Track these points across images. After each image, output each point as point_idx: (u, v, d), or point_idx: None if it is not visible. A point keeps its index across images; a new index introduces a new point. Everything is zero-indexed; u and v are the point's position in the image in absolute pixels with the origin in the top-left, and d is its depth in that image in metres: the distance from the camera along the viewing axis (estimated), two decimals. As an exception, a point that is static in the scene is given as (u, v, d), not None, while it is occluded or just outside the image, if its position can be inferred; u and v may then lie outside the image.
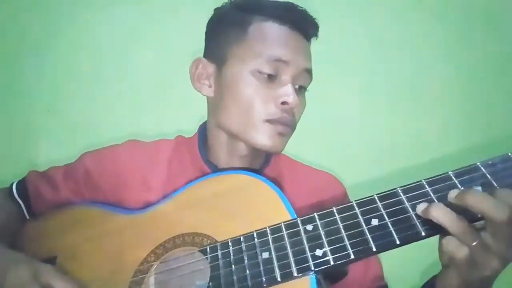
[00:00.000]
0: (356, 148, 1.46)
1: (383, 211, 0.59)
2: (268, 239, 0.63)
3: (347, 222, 0.60)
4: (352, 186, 0.96)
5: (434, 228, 0.55)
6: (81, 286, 0.69)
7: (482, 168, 0.57)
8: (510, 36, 1.47)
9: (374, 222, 0.58)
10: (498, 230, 0.52)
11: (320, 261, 0.58)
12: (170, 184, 0.82)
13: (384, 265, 0.88)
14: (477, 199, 0.52)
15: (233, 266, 0.63)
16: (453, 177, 0.58)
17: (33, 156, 1.40)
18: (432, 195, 0.57)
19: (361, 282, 0.83)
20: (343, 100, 1.48)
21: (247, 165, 0.86)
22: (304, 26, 0.83)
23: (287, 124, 0.79)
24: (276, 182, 0.71)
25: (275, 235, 0.63)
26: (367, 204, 0.61)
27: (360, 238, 0.58)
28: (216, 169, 0.85)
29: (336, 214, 0.62)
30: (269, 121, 0.78)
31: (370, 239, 0.57)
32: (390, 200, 0.59)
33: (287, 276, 0.59)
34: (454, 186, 0.57)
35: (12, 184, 0.92)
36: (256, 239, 0.64)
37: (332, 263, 0.58)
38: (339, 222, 0.61)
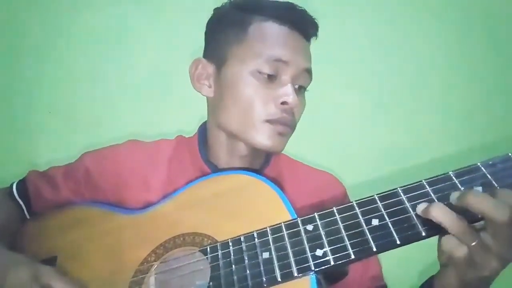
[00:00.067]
0: (356, 148, 1.46)
1: (383, 211, 0.59)
2: (268, 239, 0.63)
3: (348, 222, 0.60)
4: (352, 186, 0.96)
5: (435, 228, 0.55)
6: (81, 286, 0.69)
7: (482, 168, 0.57)
8: (510, 36, 1.47)
9: (375, 222, 0.58)
10: (498, 230, 0.52)
11: (321, 261, 0.58)
12: (170, 184, 0.82)
13: (383, 265, 0.88)
14: (477, 200, 0.52)
15: (233, 266, 0.63)
16: (453, 177, 0.58)
17: (33, 156, 1.40)
18: (432, 195, 0.57)
19: (361, 282, 0.83)
20: (343, 100, 1.48)
21: (247, 165, 0.86)
22: (303, 26, 0.83)
23: (287, 124, 0.80)
24: (276, 182, 0.71)
25: (275, 235, 0.63)
26: (367, 204, 0.61)
27: (360, 238, 0.58)
28: (216, 169, 0.85)
29: (336, 214, 0.62)
30: (269, 121, 0.78)
31: (371, 239, 0.57)
32: (391, 200, 0.59)
33: (287, 276, 0.59)
34: (454, 186, 0.57)
35: (12, 184, 0.92)
36: (256, 239, 0.64)
37: (332, 263, 0.58)
38: (339, 222, 0.61)
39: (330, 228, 0.61)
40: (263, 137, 0.78)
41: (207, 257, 0.66)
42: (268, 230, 0.64)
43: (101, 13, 1.46)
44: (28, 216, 0.90)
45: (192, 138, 0.92)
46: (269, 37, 0.80)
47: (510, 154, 0.57)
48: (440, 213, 0.54)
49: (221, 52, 0.83)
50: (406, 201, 0.58)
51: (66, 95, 1.45)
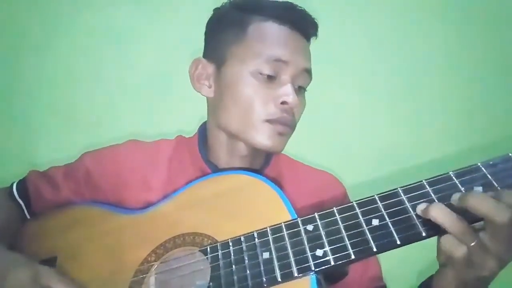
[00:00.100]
0: (356, 148, 1.46)
1: (383, 212, 0.59)
2: (268, 239, 0.63)
3: (348, 222, 0.60)
4: (352, 186, 0.96)
5: (435, 228, 0.55)
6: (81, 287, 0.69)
7: (482, 168, 0.57)
8: (510, 36, 1.47)
9: (375, 222, 0.58)
10: (497, 231, 0.52)
11: (321, 261, 0.58)
12: (170, 184, 0.82)
13: (382, 266, 0.88)
14: (477, 201, 0.52)
15: (233, 266, 0.63)
16: (453, 178, 0.58)
17: (33, 156, 1.40)
18: (432, 195, 0.57)
19: (360, 283, 0.83)
20: (343, 100, 1.48)
21: (247, 165, 0.86)
22: (303, 25, 0.83)
23: (286, 124, 0.80)
24: (276, 182, 0.71)
25: (275, 235, 0.63)
26: (367, 204, 0.61)
27: (360, 238, 0.58)
28: (216, 169, 0.85)
29: (336, 214, 0.62)
30: (268, 121, 0.78)
31: (371, 239, 0.57)
32: (391, 200, 0.59)
33: (287, 276, 0.59)
34: (454, 186, 0.57)
35: (12, 184, 0.92)
36: (256, 239, 0.64)
37: (332, 263, 0.58)
38: (339, 222, 0.61)
39: (330, 228, 0.61)
40: (263, 137, 0.78)
41: (207, 257, 0.66)
42: (268, 230, 0.64)
43: (101, 13, 1.46)
44: (28, 216, 0.90)
45: (192, 138, 0.92)
46: (269, 37, 0.80)
47: (510, 154, 0.57)
48: (439, 213, 0.54)
49: (220, 52, 0.83)
50: (406, 201, 0.58)
51: (66, 95, 1.45)
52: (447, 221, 0.53)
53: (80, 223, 0.83)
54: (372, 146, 1.47)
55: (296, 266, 0.59)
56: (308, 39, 0.86)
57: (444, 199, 0.56)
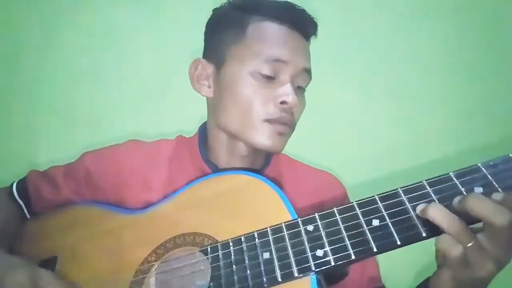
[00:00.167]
0: (356, 148, 1.46)
1: (384, 212, 0.59)
2: (269, 240, 0.63)
3: (348, 223, 0.60)
4: (352, 187, 0.96)
5: (435, 229, 0.55)
6: None
7: (483, 169, 0.57)
8: (510, 36, 1.47)
9: (375, 222, 0.58)
10: (496, 234, 0.52)
11: (321, 262, 0.58)
12: (170, 184, 0.82)
13: (380, 267, 0.88)
14: (477, 203, 0.52)
15: (234, 266, 0.63)
16: (454, 178, 0.58)
17: (33, 156, 1.40)
18: (433, 195, 0.57)
19: (359, 283, 0.84)
20: (343, 100, 1.48)
21: (247, 165, 0.86)
22: (303, 25, 0.83)
23: (286, 123, 0.80)
24: (276, 182, 0.71)
25: (276, 236, 0.63)
26: (368, 205, 0.61)
27: (361, 239, 0.58)
28: (216, 169, 0.85)
29: (337, 214, 0.62)
30: (268, 120, 0.78)
31: (371, 240, 0.57)
32: (391, 201, 0.59)
33: (288, 276, 0.59)
34: (455, 187, 0.57)
35: (12, 184, 0.92)
36: (257, 240, 0.64)
37: (332, 263, 0.58)
38: (340, 222, 0.61)
39: (330, 228, 0.61)
40: (262, 137, 0.79)
41: (207, 257, 0.66)
42: (269, 230, 0.64)
43: (101, 13, 1.46)
44: (28, 216, 0.90)
45: (192, 138, 0.92)
46: (268, 37, 0.80)
47: (511, 155, 0.57)
48: (437, 214, 0.54)
49: (220, 53, 0.83)
50: (406, 202, 0.58)
51: (66, 95, 1.45)
52: (445, 222, 0.53)
53: (80, 223, 0.83)
54: (372, 146, 1.46)
55: (297, 266, 0.59)
56: (307, 38, 0.86)
57: (445, 200, 0.56)
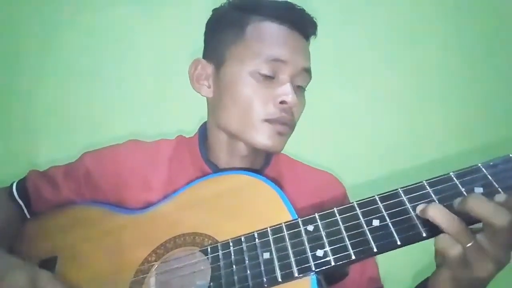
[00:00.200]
0: (356, 148, 1.46)
1: (384, 212, 0.59)
2: (269, 240, 0.63)
3: (348, 223, 0.60)
4: (353, 187, 0.96)
5: (435, 229, 0.55)
6: None
7: (483, 169, 0.57)
8: (511, 35, 1.47)
9: (375, 222, 0.58)
10: (496, 234, 0.51)
11: (321, 262, 0.58)
12: (170, 184, 0.82)
13: (378, 268, 0.88)
14: (477, 204, 0.52)
15: (234, 266, 0.63)
16: (454, 178, 0.58)
17: (33, 156, 1.40)
18: (433, 196, 0.57)
19: (359, 284, 0.84)
20: (343, 100, 1.48)
21: (247, 165, 0.86)
22: (302, 25, 0.83)
23: (286, 123, 0.80)
24: (276, 182, 0.71)
25: (276, 236, 0.63)
26: (368, 205, 0.61)
27: (361, 239, 0.58)
28: (216, 169, 0.85)
29: (337, 214, 0.62)
30: (268, 120, 0.78)
31: (371, 240, 0.57)
32: (391, 201, 0.59)
33: (288, 276, 0.59)
34: (455, 187, 0.57)
35: (12, 184, 0.92)
36: (257, 240, 0.64)
37: (333, 263, 0.58)
38: (340, 222, 0.61)
39: (330, 228, 0.61)
40: (262, 137, 0.79)
41: (207, 257, 0.66)
42: (269, 230, 0.64)
43: (101, 13, 1.46)
44: (28, 216, 0.90)
45: (192, 138, 0.92)
46: (267, 37, 0.80)
47: (511, 155, 0.57)
48: (437, 213, 0.54)
49: (220, 53, 0.83)
50: (407, 202, 0.58)
51: (66, 95, 1.45)
52: (445, 221, 0.53)
53: (80, 223, 0.83)
54: (372, 146, 1.47)
55: (297, 267, 0.59)
56: (307, 38, 0.86)
57: (445, 200, 0.56)
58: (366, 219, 0.59)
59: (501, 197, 0.52)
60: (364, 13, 1.50)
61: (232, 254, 0.64)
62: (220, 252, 0.65)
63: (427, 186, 0.59)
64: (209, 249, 0.67)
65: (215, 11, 0.89)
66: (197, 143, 0.89)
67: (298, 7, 0.84)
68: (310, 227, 0.62)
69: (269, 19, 0.81)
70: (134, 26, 1.47)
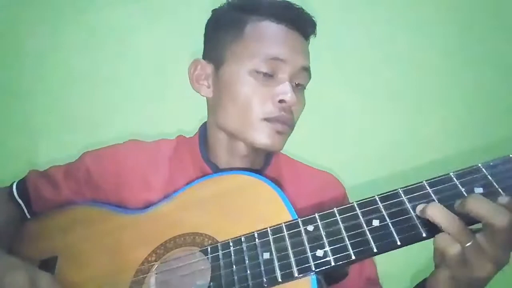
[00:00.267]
0: (356, 148, 1.47)
1: (384, 212, 0.59)
2: (269, 240, 0.63)
3: (348, 223, 0.60)
4: (353, 187, 0.96)
5: (435, 229, 0.55)
6: None
7: (483, 169, 0.57)
8: (511, 35, 1.47)
9: (375, 223, 0.58)
10: (496, 234, 0.51)
11: (321, 262, 0.58)
12: (171, 184, 0.82)
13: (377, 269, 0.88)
14: (477, 204, 0.52)
15: (234, 266, 0.63)
16: (454, 178, 0.58)
17: (33, 156, 1.40)
18: (433, 196, 0.57)
19: (358, 284, 0.84)
20: (343, 100, 1.48)
21: (248, 165, 0.86)
22: (301, 24, 0.83)
23: (285, 122, 0.79)
24: (277, 182, 0.71)
25: (276, 236, 0.63)
26: (368, 205, 0.61)
27: (361, 239, 0.58)
28: (217, 169, 0.85)
29: (337, 214, 0.62)
30: (267, 119, 0.78)
31: (371, 240, 0.57)
32: (391, 201, 0.59)
33: (288, 276, 0.59)
34: (455, 187, 0.57)
35: (12, 184, 0.92)
36: (257, 240, 0.64)
37: (333, 263, 0.58)
38: (340, 222, 0.61)
39: (330, 228, 0.61)
40: (261, 136, 0.79)
41: (207, 257, 0.66)
42: (269, 230, 0.64)
43: (101, 14, 1.46)
44: (28, 216, 0.90)
45: (192, 138, 0.92)
46: (266, 36, 0.80)
47: (511, 155, 0.57)
48: (436, 213, 0.54)
49: (219, 53, 0.83)
50: (406, 202, 0.58)
51: (66, 95, 1.45)
52: (444, 221, 0.53)
53: (80, 223, 0.83)
54: (372, 146, 1.47)
55: (297, 267, 0.59)
56: (306, 37, 0.86)
57: (445, 200, 0.56)
58: (366, 219, 0.59)
59: (503, 199, 0.52)
60: (364, 13, 1.50)
61: (232, 254, 0.64)
62: (220, 252, 0.66)
63: (427, 186, 0.59)
64: (209, 249, 0.67)
65: (214, 11, 0.89)
66: (197, 143, 0.89)
67: (297, 6, 0.84)
68: (310, 227, 0.62)
69: (267, 19, 0.81)
70: (134, 26, 1.47)
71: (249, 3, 0.84)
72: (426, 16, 1.50)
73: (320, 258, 0.59)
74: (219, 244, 0.67)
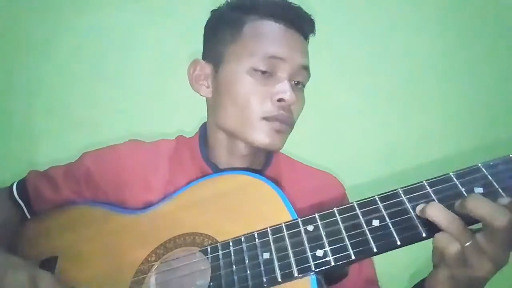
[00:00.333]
0: (356, 148, 1.46)
1: (384, 212, 0.59)
2: (269, 240, 0.63)
3: (348, 223, 0.60)
4: (353, 187, 0.96)
5: (435, 229, 0.55)
6: None
7: (483, 169, 0.57)
8: (511, 36, 1.47)
9: (375, 222, 0.58)
10: (495, 234, 0.51)
11: (321, 262, 0.58)
12: (171, 184, 0.82)
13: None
14: (477, 204, 0.52)
15: (234, 266, 0.63)
16: (454, 178, 0.58)
17: (33, 156, 1.40)
18: (433, 196, 0.57)
19: (357, 284, 0.84)
20: (343, 100, 1.48)
21: (248, 164, 0.86)
22: (299, 23, 0.83)
23: (284, 121, 0.79)
24: (276, 182, 0.71)
25: (276, 236, 0.63)
26: (368, 205, 0.61)
27: (361, 239, 0.58)
28: (217, 169, 0.85)
29: (337, 214, 0.62)
30: (266, 118, 0.78)
31: (371, 240, 0.57)
32: (391, 201, 0.59)
33: (287, 276, 0.59)
34: (455, 187, 0.57)
35: (12, 184, 0.92)
36: (257, 240, 0.64)
37: (332, 263, 0.58)
38: (340, 222, 0.61)
39: (330, 228, 0.61)
40: (261, 135, 0.78)
41: (207, 257, 0.66)
42: (269, 230, 0.64)
43: (101, 14, 1.46)
44: (28, 216, 0.90)
45: (193, 138, 0.92)
46: (264, 35, 0.80)
47: (511, 155, 0.57)
48: (436, 212, 0.54)
49: (218, 53, 0.83)
50: (406, 202, 0.58)
51: (66, 95, 1.45)
52: (444, 221, 0.53)
53: (80, 223, 0.83)
54: (372, 147, 1.47)
55: (297, 267, 0.59)
56: (305, 36, 0.86)
57: (445, 200, 0.56)
58: (366, 219, 0.59)
59: (504, 200, 0.52)
60: (364, 13, 1.50)
61: (232, 254, 0.64)
62: (220, 252, 0.66)
63: (427, 186, 0.59)
64: (209, 249, 0.67)
65: (213, 12, 0.89)
66: (197, 143, 0.89)
67: (295, 5, 0.84)
68: (310, 227, 0.62)
69: (266, 18, 0.81)
70: (134, 26, 1.47)
71: (247, 2, 0.84)
72: (426, 16, 1.49)
73: (320, 258, 0.59)
74: (219, 244, 0.67)
